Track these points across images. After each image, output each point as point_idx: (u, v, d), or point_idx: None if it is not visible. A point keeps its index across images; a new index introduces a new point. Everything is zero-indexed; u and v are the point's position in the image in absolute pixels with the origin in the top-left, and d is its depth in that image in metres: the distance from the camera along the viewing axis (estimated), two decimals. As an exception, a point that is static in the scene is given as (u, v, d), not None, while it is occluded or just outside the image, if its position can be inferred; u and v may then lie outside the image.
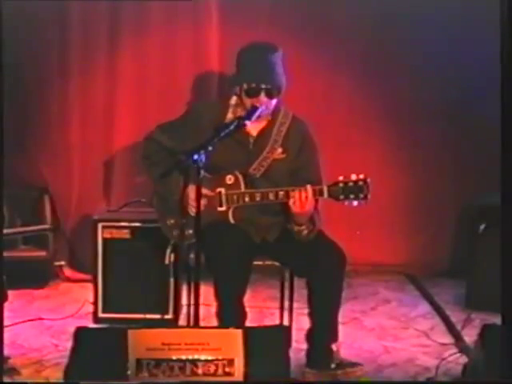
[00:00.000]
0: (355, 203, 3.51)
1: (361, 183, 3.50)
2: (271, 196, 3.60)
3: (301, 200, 3.53)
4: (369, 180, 3.50)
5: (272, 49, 3.73)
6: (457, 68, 5.33)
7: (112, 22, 5.22)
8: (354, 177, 3.51)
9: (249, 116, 3.61)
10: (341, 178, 3.52)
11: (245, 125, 3.59)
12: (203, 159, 3.34)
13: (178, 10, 5.22)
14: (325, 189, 3.54)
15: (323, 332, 3.70)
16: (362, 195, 3.50)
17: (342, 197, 3.52)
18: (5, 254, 3.82)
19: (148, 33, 5.26)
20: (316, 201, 3.61)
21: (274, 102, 3.71)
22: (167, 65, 5.28)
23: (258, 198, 3.62)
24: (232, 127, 3.54)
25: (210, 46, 5.26)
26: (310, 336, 3.73)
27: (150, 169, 3.85)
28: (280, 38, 4.81)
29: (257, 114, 3.63)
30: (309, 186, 3.53)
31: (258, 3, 5.25)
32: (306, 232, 3.65)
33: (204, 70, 5.27)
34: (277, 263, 3.84)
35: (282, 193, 3.58)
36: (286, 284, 3.97)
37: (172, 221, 3.80)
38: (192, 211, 3.57)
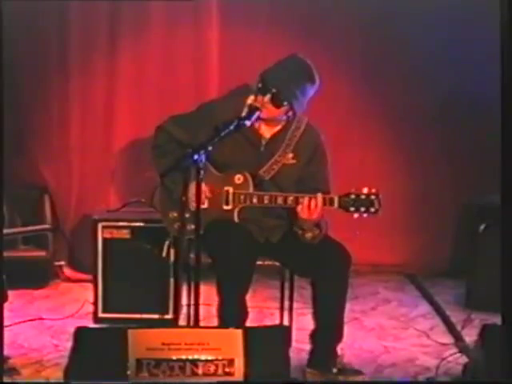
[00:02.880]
0: (365, 216, 3.50)
1: (373, 197, 3.48)
2: (280, 200, 3.58)
3: (309, 208, 3.51)
4: (381, 195, 3.49)
5: (306, 71, 3.66)
6: (456, 68, 5.34)
7: (112, 23, 5.23)
8: (365, 190, 3.48)
9: (248, 117, 3.60)
10: (353, 190, 3.49)
11: (244, 125, 3.58)
12: (203, 159, 3.34)
13: (178, 11, 5.22)
14: (336, 199, 3.51)
15: (327, 333, 3.69)
16: (373, 209, 3.48)
17: (352, 209, 3.49)
18: (5, 254, 3.81)
19: (148, 33, 5.27)
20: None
21: (281, 112, 3.65)
22: (167, 65, 5.29)
23: (266, 201, 3.60)
24: (232, 127, 3.52)
25: (210, 46, 5.26)
26: (314, 336, 3.71)
27: (158, 159, 3.82)
28: (280, 38, 4.83)
29: (255, 115, 3.60)
30: (319, 195, 3.51)
31: (257, 3, 5.25)
32: (310, 236, 3.62)
33: (204, 70, 5.28)
34: (277, 263, 3.84)
35: (291, 198, 3.55)
36: (286, 284, 3.97)
37: (175, 214, 3.78)
38: (193, 206, 3.56)
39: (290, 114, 3.68)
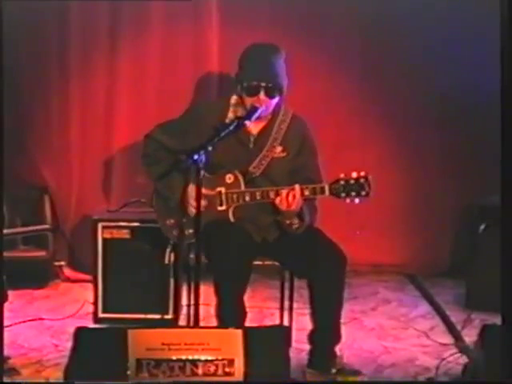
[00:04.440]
0: (357, 201, 3.50)
1: (362, 180, 3.48)
2: (272, 194, 3.59)
3: (287, 199, 3.53)
4: (370, 177, 3.49)
5: (274, 49, 3.72)
6: (457, 68, 5.33)
7: (112, 22, 5.23)
8: (354, 174, 3.49)
9: (248, 116, 3.61)
10: (342, 176, 3.51)
11: (244, 125, 3.59)
12: (203, 159, 3.34)
13: (178, 11, 5.22)
14: (326, 187, 3.53)
15: (325, 333, 3.69)
16: (363, 192, 3.48)
17: (343, 194, 3.50)
18: (5, 254, 3.82)
19: (148, 33, 5.26)
20: (314, 198, 3.63)
21: (275, 101, 3.70)
22: (167, 65, 5.29)
23: (258, 197, 3.62)
24: (232, 127, 3.53)
25: (210, 46, 5.26)
26: (312, 337, 3.72)
27: (149, 168, 3.85)
28: (279, 38, 4.80)
29: (256, 114, 3.62)
30: (297, 186, 3.53)
31: (258, 3, 5.25)
32: (295, 226, 3.65)
33: (204, 69, 5.28)
34: (277, 263, 3.84)
35: (284, 191, 3.57)
36: (286, 284, 3.97)
37: (172, 221, 3.80)
38: (192, 211, 3.58)
39: (279, 98, 3.71)
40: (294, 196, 3.53)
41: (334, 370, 3.65)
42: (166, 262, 4.03)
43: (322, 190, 3.53)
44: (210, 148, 3.38)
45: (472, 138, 5.42)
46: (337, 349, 3.71)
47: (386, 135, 5.50)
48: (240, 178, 3.68)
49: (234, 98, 3.75)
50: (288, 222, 3.65)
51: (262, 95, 3.63)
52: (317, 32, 5.30)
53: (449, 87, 5.36)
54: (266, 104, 3.65)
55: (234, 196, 3.66)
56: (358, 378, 3.67)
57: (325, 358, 3.68)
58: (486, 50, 5.01)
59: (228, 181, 3.69)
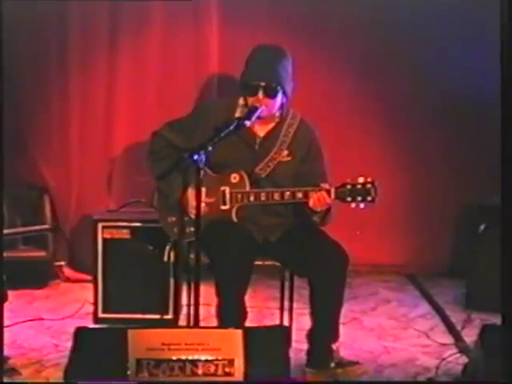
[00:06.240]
0: (362, 205, 3.50)
1: (369, 186, 3.49)
2: (276, 196, 3.60)
3: (319, 200, 3.54)
4: (377, 182, 3.49)
5: (277, 51, 3.72)
6: (457, 68, 5.34)
7: (112, 22, 5.23)
8: (361, 179, 3.50)
9: (249, 116, 3.61)
10: (348, 180, 3.51)
11: (244, 125, 3.58)
12: (203, 159, 3.33)
13: (178, 10, 5.22)
14: (332, 190, 3.53)
15: (324, 332, 3.70)
16: (369, 198, 3.49)
17: (349, 199, 3.51)
18: (5, 254, 3.82)
19: (148, 33, 5.27)
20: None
21: (277, 102, 3.69)
22: (167, 65, 5.29)
23: (263, 198, 3.62)
24: (232, 127, 3.53)
25: (210, 46, 5.26)
26: (311, 336, 3.73)
27: (154, 164, 3.84)
28: (279, 39, 4.81)
29: (256, 114, 3.62)
30: (325, 186, 3.53)
31: (257, 3, 5.26)
32: (318, 219, 3.65)
33: (204, 69, 5.28)
34: (277, 263, 3.84)
35: (287, 193, 3.58)
36: (286, 284, 3.97)
37: (173, 218, 3.80)
38: (192, 213, 3.58)
39: (284, 100, 3.70)
40: (324, 197, 3.53)
41: (332, 364, 3.66)
42: (165, 259, 4.03)
43: (328, 194, 3.54)
44: (210, 148, 3.37)
45: (472, 138, 5.42)
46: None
47: (386, 135, 5.50)
48: (245, 177, 3.68)
49: (241, 99, 3.75)
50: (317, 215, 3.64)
51: (260, 94, 3.63)
52: (317, 32, 5.30)
53: (449, 87, 5.37)
54: (267, 104, 3.65)
55: (239, 196, 3.66)
56: (357, 368, 3.68)
57: (323, 355, 3.68)
58: (486, 49, 5.02)
59: (233, 180, 3.69)
